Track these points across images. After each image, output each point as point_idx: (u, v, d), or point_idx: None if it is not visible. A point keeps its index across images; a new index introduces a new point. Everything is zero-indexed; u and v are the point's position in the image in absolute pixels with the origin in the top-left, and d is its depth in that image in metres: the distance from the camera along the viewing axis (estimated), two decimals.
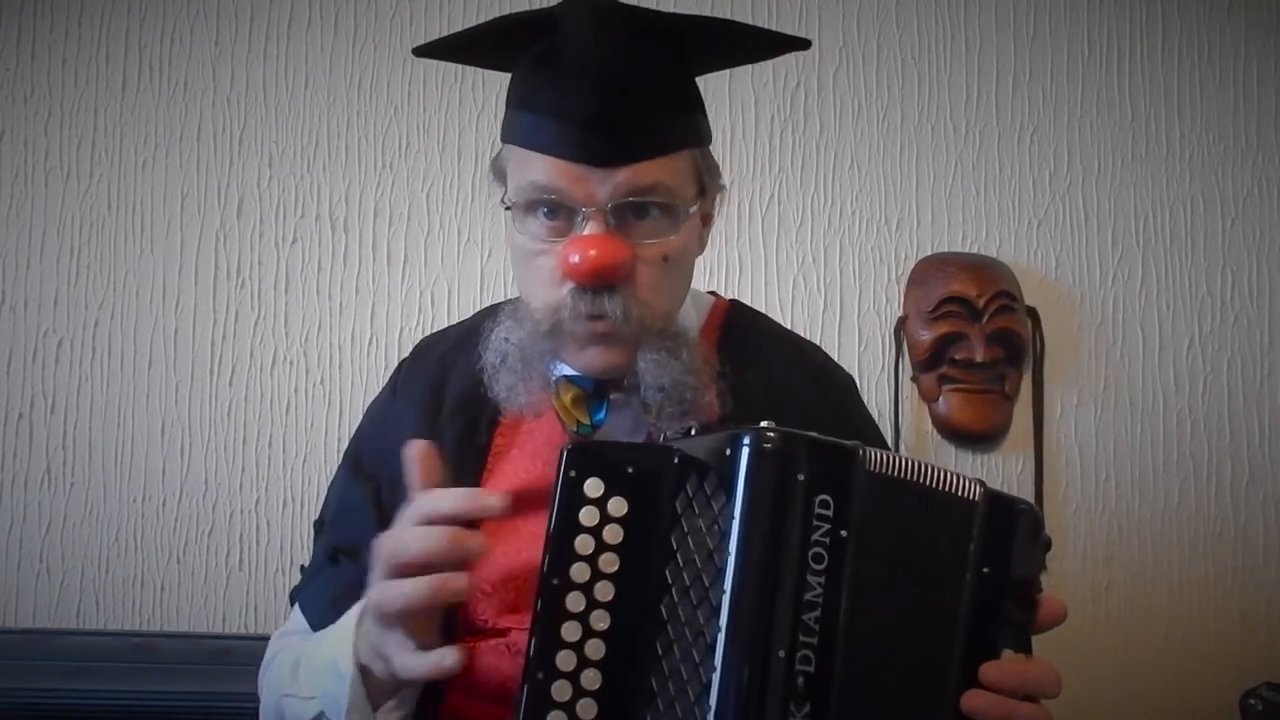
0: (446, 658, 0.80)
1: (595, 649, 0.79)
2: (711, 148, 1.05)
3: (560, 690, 0.78)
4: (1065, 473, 1.80)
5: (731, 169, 1.81)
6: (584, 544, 0.80)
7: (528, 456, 1.04)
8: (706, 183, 1.03)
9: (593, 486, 0.81)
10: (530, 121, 0.96)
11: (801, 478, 0.76)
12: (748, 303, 1.23)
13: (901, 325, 1.79)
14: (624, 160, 0.94)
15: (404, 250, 1.78)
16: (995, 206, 1.84)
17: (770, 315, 1.25)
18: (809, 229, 1.82)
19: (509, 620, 0.99)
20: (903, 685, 0.80)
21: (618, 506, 0.81)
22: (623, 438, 1.02)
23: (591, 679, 0.78)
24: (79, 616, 1.70)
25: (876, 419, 1.70)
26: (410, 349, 1.20)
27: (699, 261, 1.09)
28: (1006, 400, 1.77)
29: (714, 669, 0.74)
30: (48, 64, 1.79)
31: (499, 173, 1.03)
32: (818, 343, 1.70)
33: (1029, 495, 1.76)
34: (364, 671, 0.88)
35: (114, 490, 1.73)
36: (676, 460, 0.82)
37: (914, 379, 1.78)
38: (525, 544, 0.97)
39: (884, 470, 0.79)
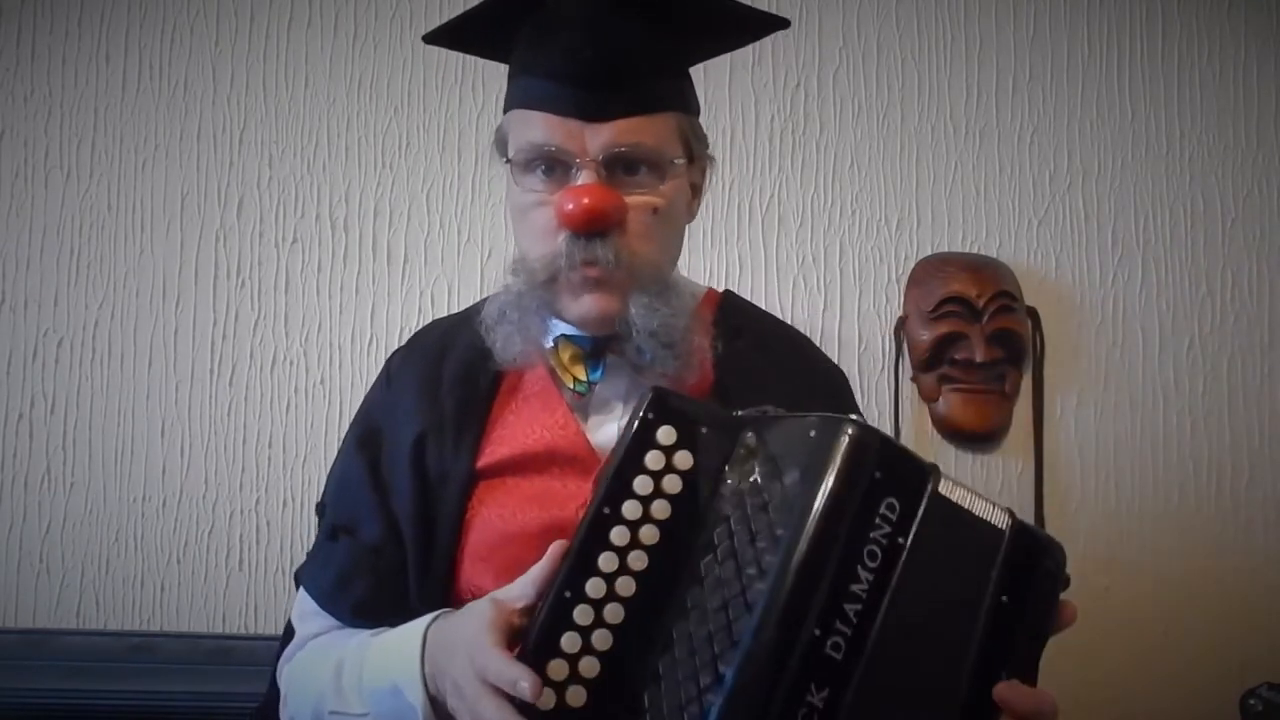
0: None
1: (625, 585, 0.80)
2: (711, 149, 1.12)
3: (582, 615, 0.79)
4: (1065, 473, 1.80)
5: (731, 169, 1.81)
6: (643, 484, 0.82)
7: (524, 423, 1.08)
8: (695, 150, 1.09)
9: (665, 434, 0.84)
10: (527, 84, 1.05)
11: (878, 475, 0.78)
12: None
13: (901, 325, 1.78)
14: (611, 115, 1.02)
15: (404, 250, 1.78)
16: (995, 206, 1.84)
17: (770, 315, 1.28)
18: (809, 229, 1.82)
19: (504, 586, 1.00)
20: (914, 692, 0.80)
21: (683, 460, 0.84)
22: (617, 398, 1.08)
23: (614, 613, 0.80)
24: (79, 616, 1.70)
25: (876, 419, 1.71)
26: None
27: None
28: (1006, 400, 1.76)
29: (748, 629, 0.75)
30: (48, 64, 1.79)
31: (501, 142, 1.10)
32: (818, 343, 1.71)
33: (1029, 495, 1.76)
34: (433, 700, 0.89)
35: (114, 490, 1.73)
36: (750, 434, 0.84)
37: (914, 379, 1.78)
38: (520, 507, 1.03)
39: (949, 495, 0.81)
